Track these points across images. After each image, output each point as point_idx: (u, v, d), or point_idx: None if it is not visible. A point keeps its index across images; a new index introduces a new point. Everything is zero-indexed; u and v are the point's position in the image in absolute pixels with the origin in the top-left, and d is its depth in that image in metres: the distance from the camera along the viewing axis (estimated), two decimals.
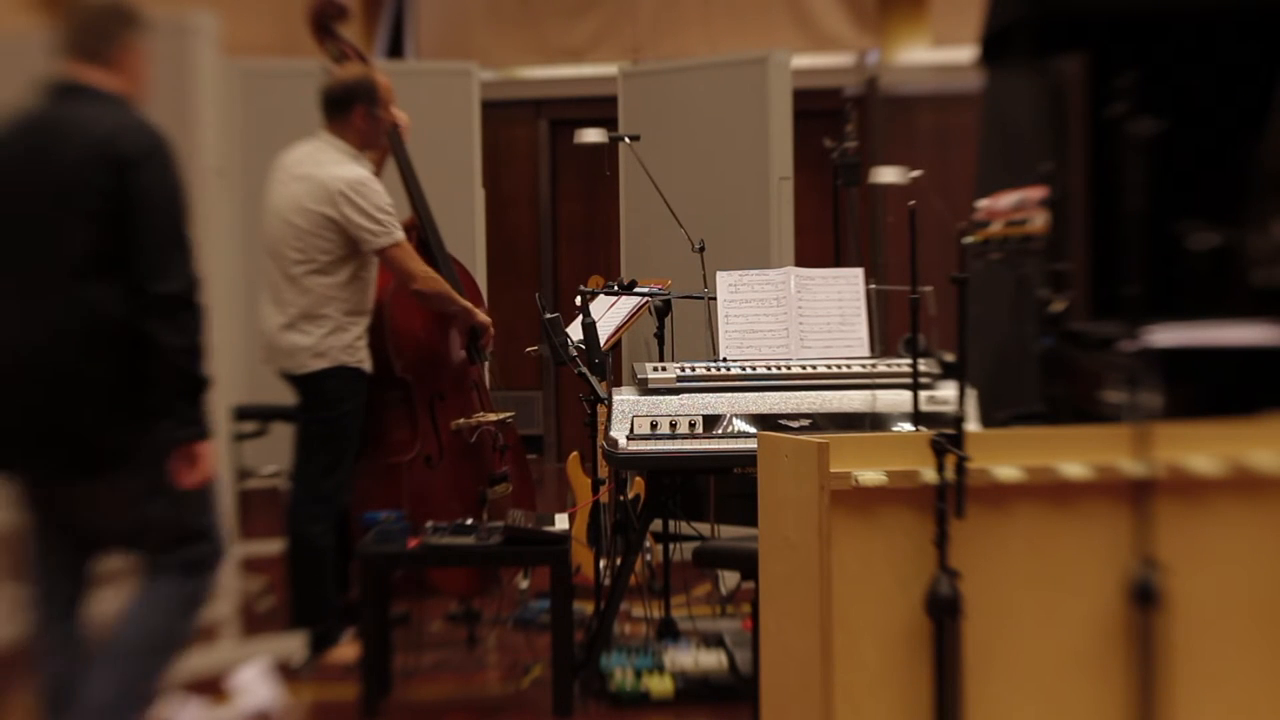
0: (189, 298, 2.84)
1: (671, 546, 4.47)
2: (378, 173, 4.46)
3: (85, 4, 3.03)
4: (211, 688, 3.87)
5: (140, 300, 2.80)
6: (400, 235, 4.19)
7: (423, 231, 4.56)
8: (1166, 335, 2.64)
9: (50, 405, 2.83)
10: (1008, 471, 2.50)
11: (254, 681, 3.74)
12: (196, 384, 2.88)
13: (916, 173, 5.05)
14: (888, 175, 5.22)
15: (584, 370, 4.01)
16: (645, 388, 3.81)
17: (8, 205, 2.91)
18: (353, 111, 4.23)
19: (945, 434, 2.42)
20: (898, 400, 3.68)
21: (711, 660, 3.97)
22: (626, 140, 4.98)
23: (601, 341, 4.07)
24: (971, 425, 3.27)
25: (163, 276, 2.80)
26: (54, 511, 3.00)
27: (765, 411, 3.74)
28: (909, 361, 3.48)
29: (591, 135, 5.34)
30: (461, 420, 4.46)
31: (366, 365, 4.25)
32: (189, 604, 3.03)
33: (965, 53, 6.77)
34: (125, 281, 2.82)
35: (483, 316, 4.46)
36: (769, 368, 3.85)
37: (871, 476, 2.46)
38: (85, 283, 2.82)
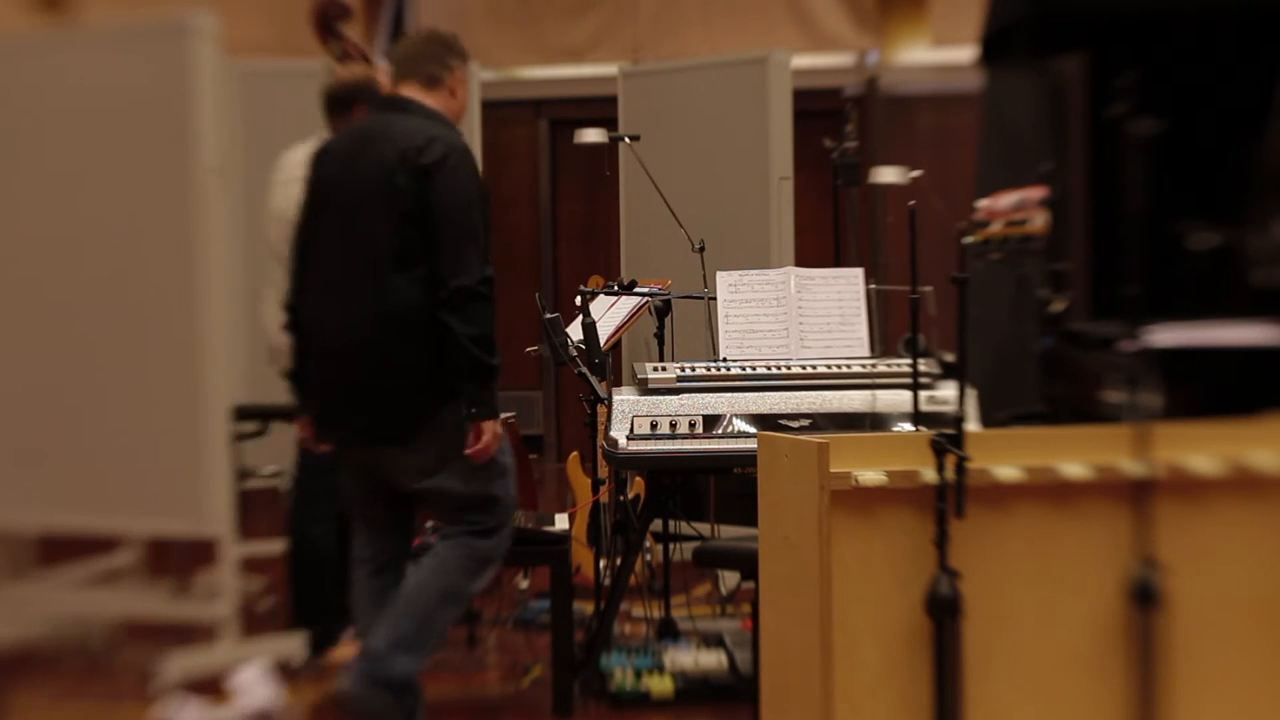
0: (480, 291, 3.16)
1: (671, 546, 4.47)
2: None
3: (421, 33, 3.50)
4: (211, 688, 3.87)
5: (438, 293, 3.15)
6: None
7: None
8: (1166, 335, 2.64)
9: (362, 380, 3.25)
10: (1008, 471, 2.50)
11: (254, 681, 3.74)
12: (485, 369, 3.19)
13: (916, 173, 5.05)
14: (888, 175, 5.22)
15: (584, 370, 4.00)
16: (645, 388, 3.81)
17: (336, 203, 3.32)
18: (353, 112, 4.23)
19: (945, 434, 2.42)
20: (898, 400, 3.68)
21: (711, 660, 3.97)
22: (626, 140, 4.98)
23: (601, 341, 4.07)
24: (971, 425, 3.27)
25: (456, 272, 3.14)
26: (365, 473, 3.39)
27: (765, 411, 3.74)
28: (909, 361, 3.48)
29: (591, 135, 5.34)
30: None
31: None
32: (476, 565, 3.34)
33: (965, 53, 6.77)
34: (425, 275, 3.17)
35: None
36: (769, 368, 3.85)
37: (871, 476, 2.46)
38: (392, 275, 3.19)
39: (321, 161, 3.39)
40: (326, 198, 3.34)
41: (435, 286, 3.16)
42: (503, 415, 4.54)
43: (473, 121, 5.82)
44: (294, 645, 4.16)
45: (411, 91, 3.37)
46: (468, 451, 3.22)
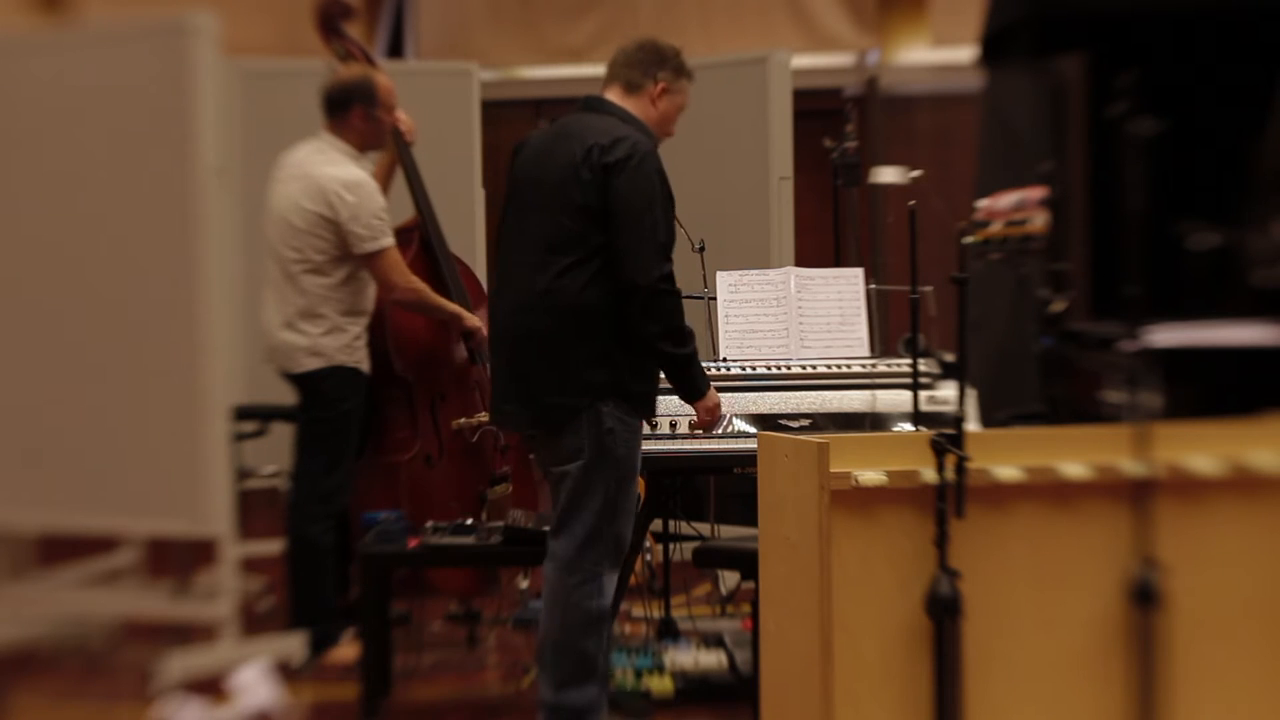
0: (660, 289, 3.22)
1: (671, 546, 4.47)
2: (387, 179, 4.46)
3: (639, 41, 3.53)
4: (211, 688, 3.87)
5: (621, 291, 3.23)
6: (389, 242, 4.18)
7: (425, 232, 4.56)
8: (1166, 335, 2.65)
9: (524, 368, 3.33)
10: (1008, 471, 2.50)
11: (254, 681, 3.74)
12: (679, 360, 3.31)
13: (916, 173, 5.05)
14: (888, 175, 5.22)
15: None
16: None
17: (525, 197, 3.40)
18: (351, 112, 4.23)
19: (945, 434, 2.42)
20: (898, 400, 3.68)
21: (711, 660, 3.97)
22: None
23: None
24: (971, 425, 3.27)
25: (636, 271, 3.21)
26: (540, 458, 3.52)
27: (765, 411, 3.75)
28: (909, 361, 3.48)
29: None
30: (462, 420, 4.46)
31: (364, 365, 4.25)
32: (589, 582, 3.31)
33: (965, 53, 6.78)
34: (597, 271, 3.24)
35: (471, 321, 4.44)
36: (769, 368, 3.85)
37: (871, 476, 2.46)
38: (564, 268, 3.25)
39: (518, 156, 3.48)
40: (517, 191, 3.43)
41: (605, 283, 3.24)
42: None
43: (473, 121, 5.82)
44: (294, 645, 4.15)
45: (612, 94, 3.45)
46: (694, 427, 3.53)
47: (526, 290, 3.30)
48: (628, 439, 3.29)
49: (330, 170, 4.14)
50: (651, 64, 3.45)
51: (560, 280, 3.24)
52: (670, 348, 3.27)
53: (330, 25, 4.55)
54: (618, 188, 3.23)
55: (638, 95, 3.44)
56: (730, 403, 3.74)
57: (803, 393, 3.76)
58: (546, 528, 3.81)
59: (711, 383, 3.39)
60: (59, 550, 4.76)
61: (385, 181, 4.45)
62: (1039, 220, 3.06)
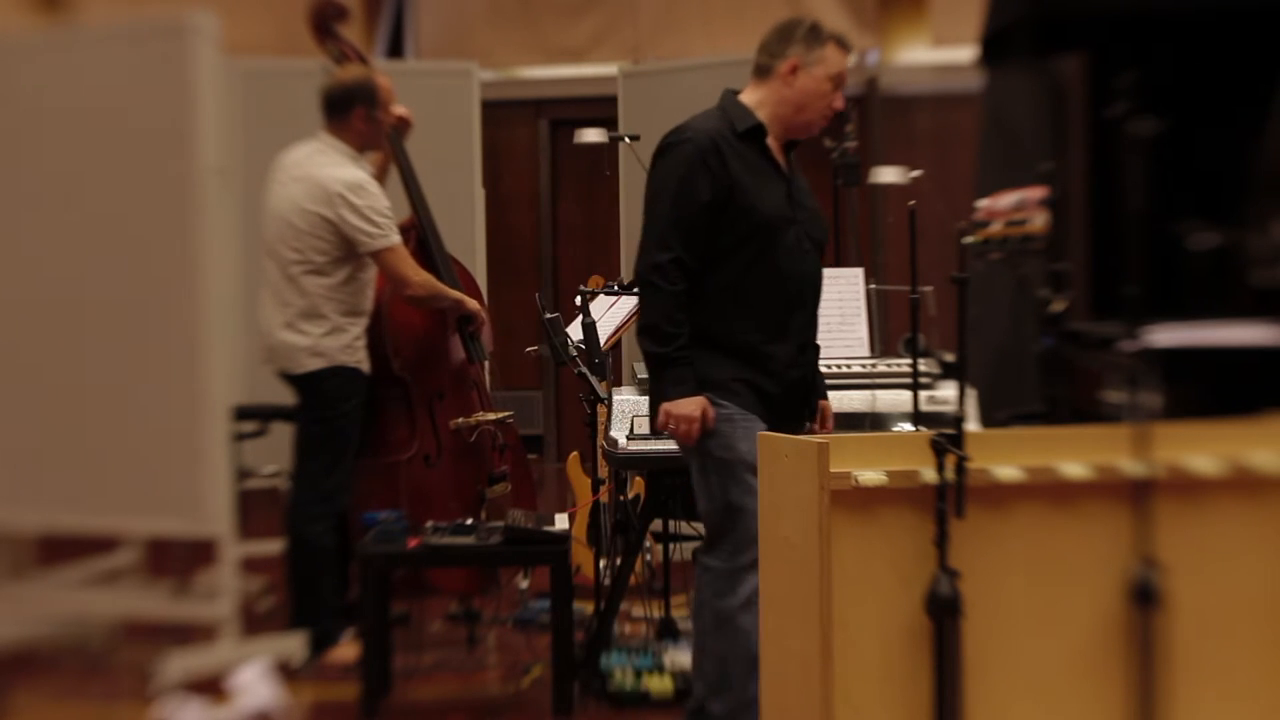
0: (647, 280, 3.14)
1: (671, 546, 4.47)
2: (382, 177, 4.46)
3: (782, 20, 3.33)
4: (211, 688, 3.87)
5: None
6: (396, 239, 4.19)
7: (422, 231, 4.56)
8: (1166, 335, 2.64)
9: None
10: (1008, 471, 2.50)
11: (254, 681, 3.74)
12: (649, 359, 3.19)
13: (916, 173, 5.06)
14: (888, 175, 5.23)
15: (584, 370, 4.00)
16: (645, 388, 3.80)
17: None
18: (352, 113, 4.23)
19: (945, 434, 2.41)
20: (898, 400, 3.68)
21: None
22: (626, 140, 4.98)
23: (601, 341, 4.07)
24: (971, 425, 3.27)
25: (638, 257, 3.19)
26: None
27: None
28: (909, 361, 3.48)
29: (591, 135, 5.34)
30: (461, 419, 4.46)
31: (365, 365, 4.25)
32: (722, 583, 3.22)
33: (965, 53, 6.78)
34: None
35: (472, 304, 4.43)
36: None
37: (871, 476, 2.46)
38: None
39: None
40: None
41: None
42: (502, 415, 4.57)
43: (473, 121, 5.82)
44: (294, 645, 4.16)
45: (749, 84, 3.31)
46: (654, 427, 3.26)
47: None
48: (726, 432, 3.14)
49: (333, 172, 4.14)
50: (779, 42, 3.27)
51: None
52: (645, 343, 3.16)
53: (324, 27, 4.54)
54: (650, 177, 3.22)
55: (768, 80, 3.27)
56: None
57: None
58: (546, 527, 3.82)
59: (691, 394, 3.13)
60: (59, 550, 4.76)
61: (379, 180, 4.45)
62: (1039, 220, 3.05)
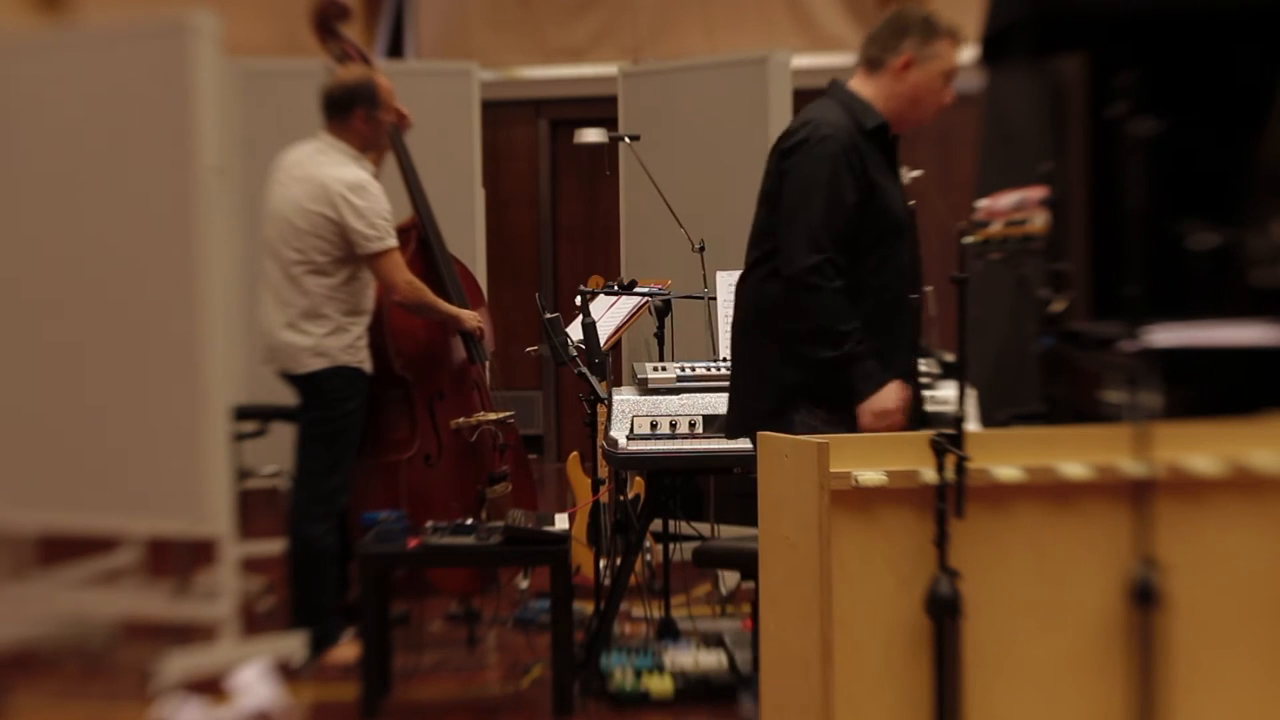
0: (807, 282, 2.97)
1: (671, 546, 4.47)
2: (377, 171, 4.46)
3: (887, 15, 3.26)
4: (211, 688, 3.87)
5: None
6: (393, 243, 4.18)
7: (423, 231, 4.56)
8: (1166, 335, 2.64)
9: (731, 374, 3.26)
10: (1008, 471, 2.50)
11: (254, 681, 3.74)
12: (827, 364, 2.98)
13: (917, 173, 5.05)
14: None
15: (584, 370, 4.00)
16: (645, 387, 3.81)
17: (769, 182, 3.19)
18: (353, 114, 4.23)
19: (945, 434, 2.41)
20: None
21: (711, 660, 3.96)
22: (626, 140, 4.98)
23: (601, 341, 4.07)
24: (971, 425, 3.26)
25: (785, 260, 3.02)
26: None
27: None
28: None
29: (591, 135, 5.35)
30: (461, 419, 4.46)
31: (367, 365, 4.25)
32: None
33: (965, 53, 6.77)
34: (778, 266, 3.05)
35: (470, 322, 4.43)
36: None
37: (871, 476, 2.46)
38: (756, 265, 3.15)
39: None
40: None
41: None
42: (502, 415, 4.57)
43: (473, 121, 5.82)
44: (294, 645, 4.16)
45: (857, 76, 3.22)
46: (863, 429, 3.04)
47: (739, 294, 3.22)
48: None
49: (334, 172, 4.14)
50: (892, 35, 3.19)
51: (752, 280, 3.16)
52: (817, 349, 2.99)
53: (326, 26, 4.55)
54: (787, 172, 3.06)
55: (879, 73, 3.18)
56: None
57: None
58: (546, 527, 3.82)
59: (881, 386, 3.00)
60: (59, 550, 4.76)
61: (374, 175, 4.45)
62: (1039, 220, 3.05)
